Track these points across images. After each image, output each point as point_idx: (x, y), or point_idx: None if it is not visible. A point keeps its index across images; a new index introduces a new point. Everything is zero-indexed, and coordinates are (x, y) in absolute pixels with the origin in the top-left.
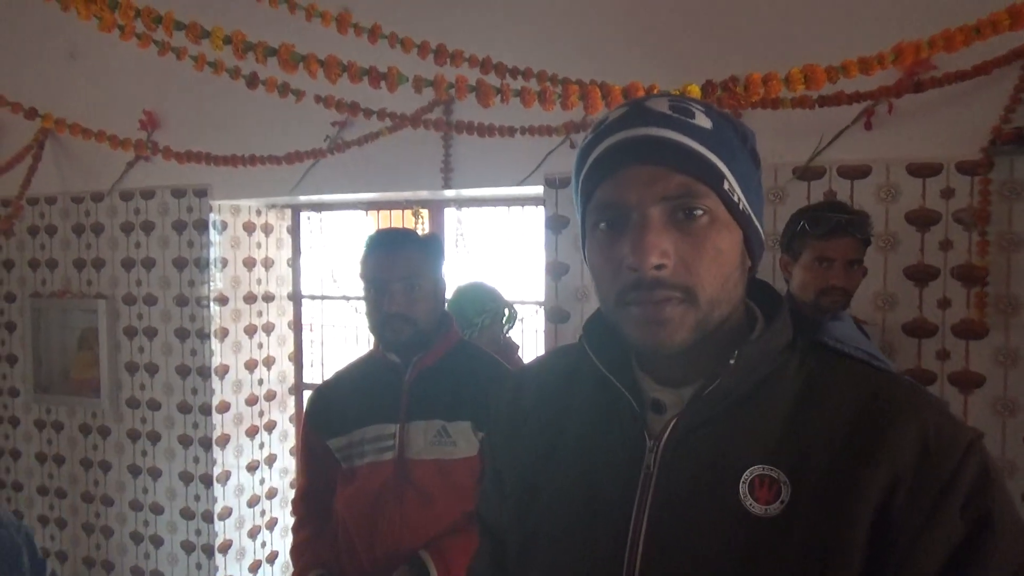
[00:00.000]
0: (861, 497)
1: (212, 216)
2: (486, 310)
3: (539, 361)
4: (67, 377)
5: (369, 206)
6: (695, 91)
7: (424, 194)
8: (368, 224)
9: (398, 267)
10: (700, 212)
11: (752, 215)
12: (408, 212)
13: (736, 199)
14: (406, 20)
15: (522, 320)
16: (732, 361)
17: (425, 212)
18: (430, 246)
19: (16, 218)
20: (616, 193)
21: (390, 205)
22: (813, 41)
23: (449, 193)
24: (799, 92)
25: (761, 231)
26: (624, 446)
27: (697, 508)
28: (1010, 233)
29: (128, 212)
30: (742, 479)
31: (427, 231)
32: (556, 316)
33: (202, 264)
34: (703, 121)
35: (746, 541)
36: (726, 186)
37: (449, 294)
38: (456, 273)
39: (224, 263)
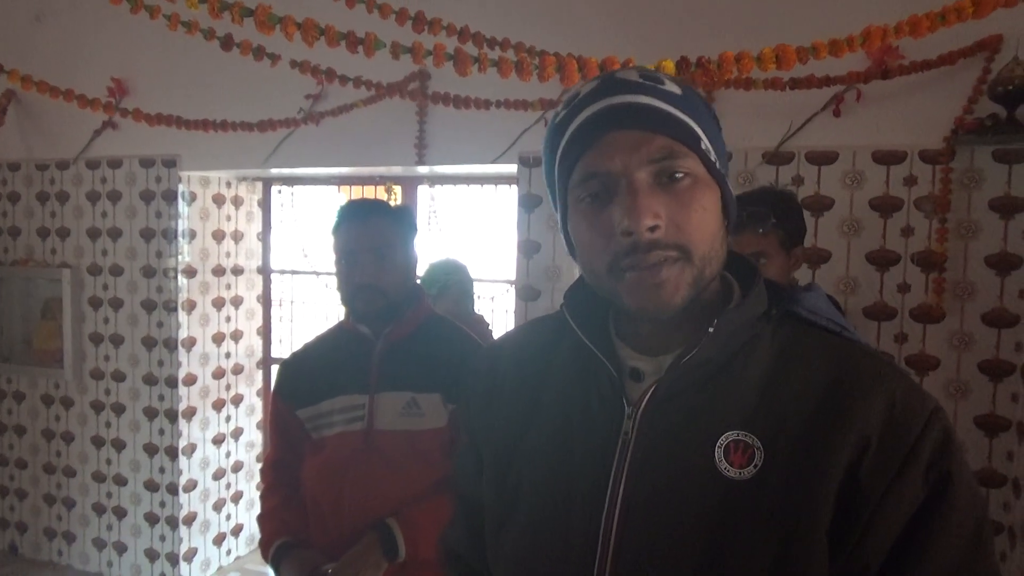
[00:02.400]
0: (831, 461)
1: (181, 187)
2: (437, 281)
3: (516, 333)
4: (29, 347)
5: (342, 181)
6: (669, 67)
7: (398, 170)
8: (340, 199)
9: (368, 238)
10: (683, 174)
11: (725, 175)
12: (381, 188)
13: (713, 159)
14: None
15: (492, 299)
16: (711, 329)
17: (398, 189)
18: (401, 217)
19: None
20: (600, 161)
21: (363, 181)
22: (786, 23)
23: (423, 170)
24: (771, 72)
25: (732, 193)
26: (602, 413)
27: (673, 472)
28: (969, 221)
29: (95, 181)
30: (717, 444)
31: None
32: (527, 294)
33: (170, 235)
34: (672, 87)
35: (720, 503)
36: (703, 146)
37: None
38: (428, 250)
39: (192, 235)
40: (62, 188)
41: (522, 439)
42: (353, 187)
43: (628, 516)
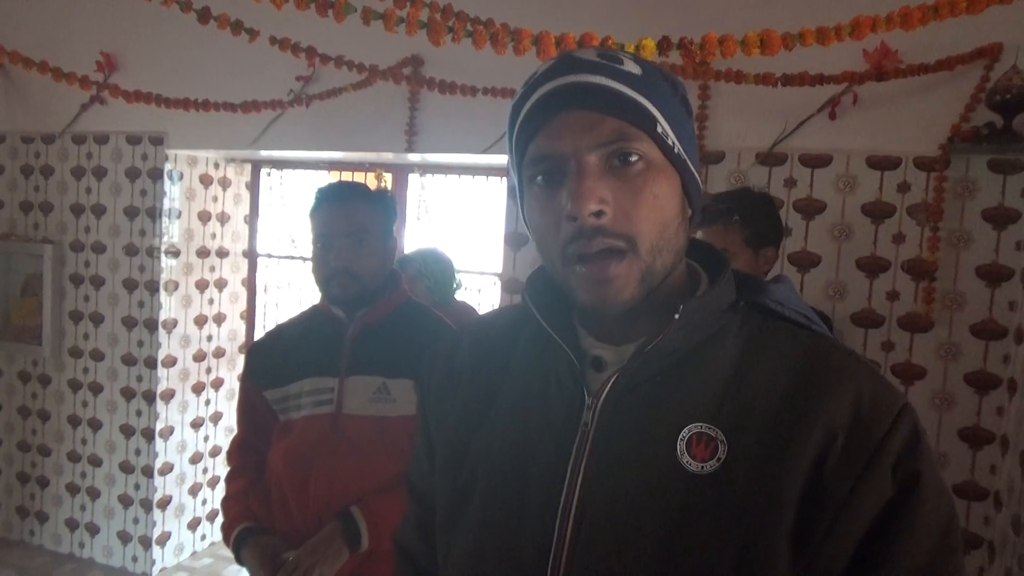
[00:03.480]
0: (796, 456)
1: (168, 166)
2: (411, 266)
3: (478, 320)
4: (7, 322)
5: (331, 166)
6: (650, 46)
7: (389, 157)
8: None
9: (346, 222)
10: (635, 158)
11: (688, 160)
12: (371, 175)
13: (671, 143)
14: None
15: (479, 291)
16: (676, 316)
17: (389, 176)
18: (380, 202)
19: None
20: (550, 143)
21: (354, 167)
22: (778, 13)
23: (413, 158)
24: (757, 57)
25: (698, 177)
26: (562, 403)
27: (634, 465)
28: (961, 230)
29: (80, 156)
30: (679, 436)
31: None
32: (513, 287)
33: (155, 214)
34: (632, 67)
35: (682, 497)
36: (659, 129)
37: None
38: (417, 239)
39: (178, 214)
40: (47, 162)
41: (478, 429)
42: (343, 172)
43: (586, 510)
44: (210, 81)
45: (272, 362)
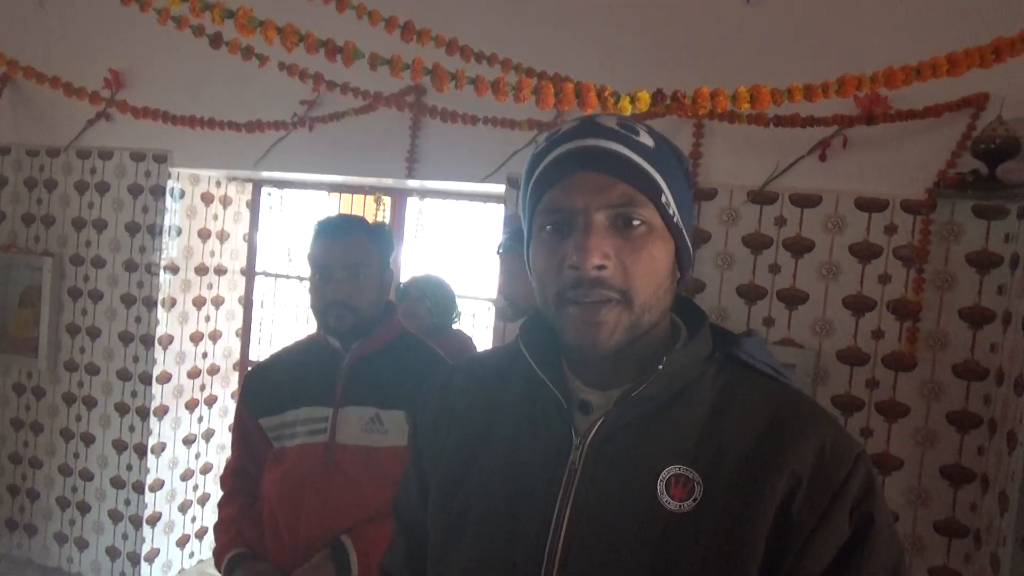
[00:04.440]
0: (765, 497)
1: (170, 183)
2: (409, 294)
3: (471, 358)
4: (4, 334)
5: (332, 188)
6: (645, 98)
7: (388, 181)
8: (330, 206)
9: (344, 254)
10: (639, 221)
11: (684, 230)
12: (371, 198)
13: (672, 212)
14: None
15: (474, 316)
16: (660, 367)
17: (388, 200)
18: (378, 235)
19: None
20: (564, 197)
21: (353, 189)
22: (769, 65)
23: (413, 183)
24: (746, 110)
25: (691, 247)
26: (551, 443)
27: (617, 503)
28: (945, 273)
29: (84, 171)
30: (660, 477)
31: (386, 219)
32: (506, 314)
33: (155, 231)
34: (647, 140)
35: (661, 534)
36: (663, 199)
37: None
38: (414, 263)
39: (178, 232)
40: (51, 175)
41: (471, 462)
42: (343, 195)
43: (572, 544)
44: (216, 100)
45: (268, 390)
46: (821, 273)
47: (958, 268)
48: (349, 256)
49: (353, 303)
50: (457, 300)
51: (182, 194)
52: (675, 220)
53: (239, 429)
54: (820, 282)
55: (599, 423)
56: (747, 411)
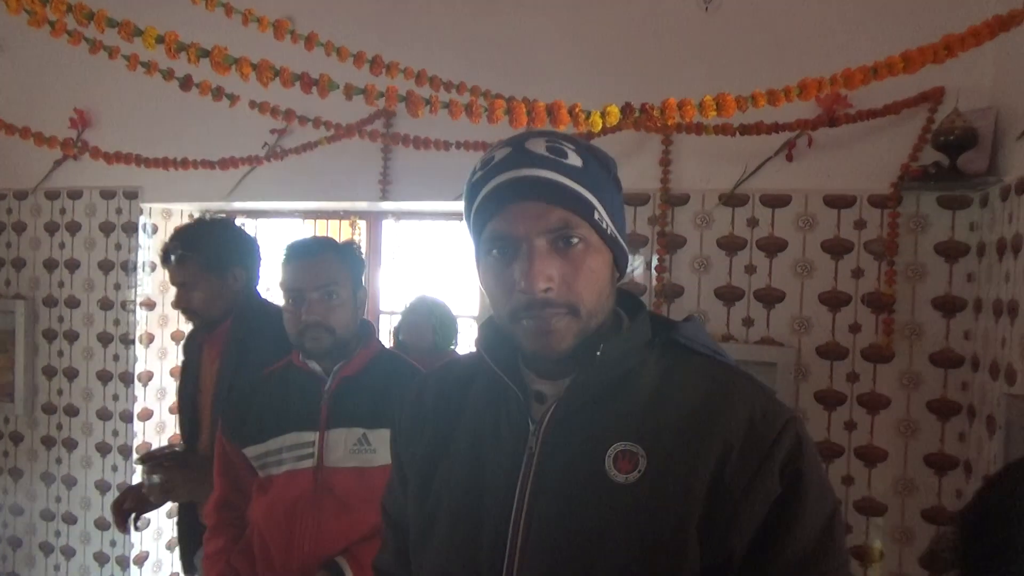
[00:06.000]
0: (700, 464)
1: (143, 219)
2: (418, 321)
3: (443, 365)
4: None
5: (306, 215)
6: (614, 111)
7: (363, 205)
8: (306, 232)
9: (314, 275)
10: (576, 240)
11: (618, 236)
12: (347, 223)
13: (605, 226)
14: (346, 31)
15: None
16: (598, 353)
17: (363, 223)
18: (347, 254)
19: None
20: (506, 226)
21: (328, 215)
22: (731, 74)
23: (387, 205)
24: (712, 118)
25: (626, 249)
26: (510, 432)
27: (571, 479)
28: (916, 264)
29: (53, 212)
30: (608, 454)
31: (362, 242)
32: None
33: (130, 268)
34: (575, 160)
35: (609, 503)
36: (596, 216)
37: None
38: (393, 285)
39: (153, 267)
40: (19, 218)
41: (441, 460)
42: (318, 221)
43: (531, 522)
44: (185, 134)
45: (250, 419)
46: (796, 271)
47: (927, 259)
48: (320, 277)
49: (329, 323)
50: (458, 325)
51: (155, 229)
52: (609, 232)
53: (222, 461)
54: (795, 280)
55: (551, 410)
56: (685, 388)
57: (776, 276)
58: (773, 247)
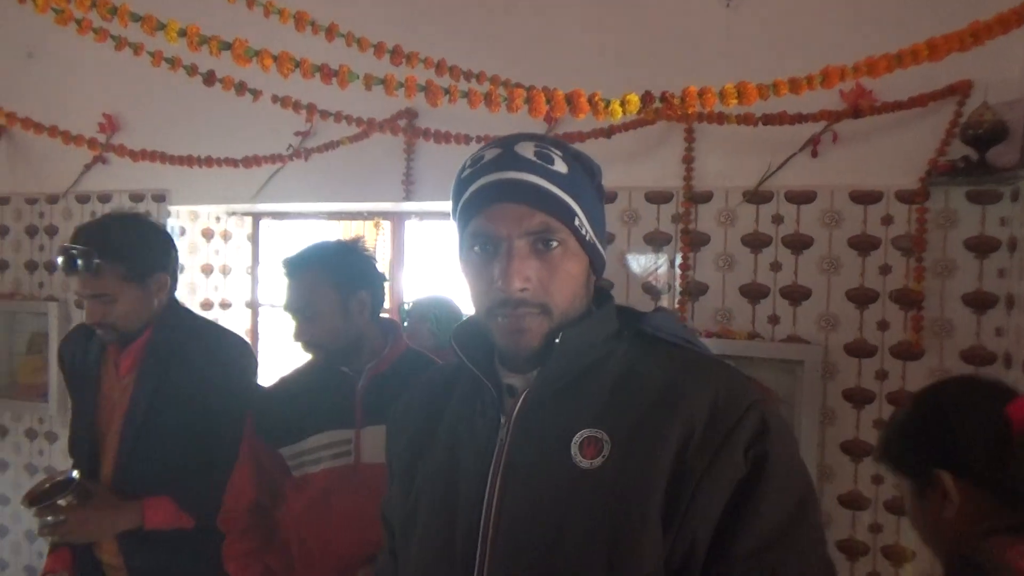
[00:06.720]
0: (663, 446)
1: (170, 221)
2: (413, 314)
3: (432, 369)
4: (14, 381)
5: (330, 216)
6: (634, 100)
7: (386, 205)
8: (331, 232)
9: (295, 298)
10: (555, 244)
11: (596, 242)
12: (370, 223)
13: (584, 232)
14: (365, 24)
15: None
16: (556, 341)
17: (387, 224)
18: (329, 266)
19: None
20: (488, 225)
21: (351, 216)
22: (754, 64)
23: (410, 205)
24: (733, 107)
25: (604, 253)
26: (483, 425)
27: (538, 467)
28: (944, 260)
29: (84, 215)
30: (573, 440)
31: (385, 242)
32: None
33: None
34: (560, 167)
35: (575, 488)
36: (576, 222)
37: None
38: (417, 284)
39: (181, 269)
40: (51, 222)
41: (421, 457)
42: (342, 222)
43: (501, 511)
44: (210, 137)
45: (283, 420)
46: (822, 268)
47: (957, 254)
48: (298, 298)
49: (316, 341)
50: (462, 318)
51: (183, 231)
52: (588, 238)
53: (252, 463)
54: (822, 277)
55: (520, 401)
56: (650, 375)
57: (802, 273)
58: (799, 244)
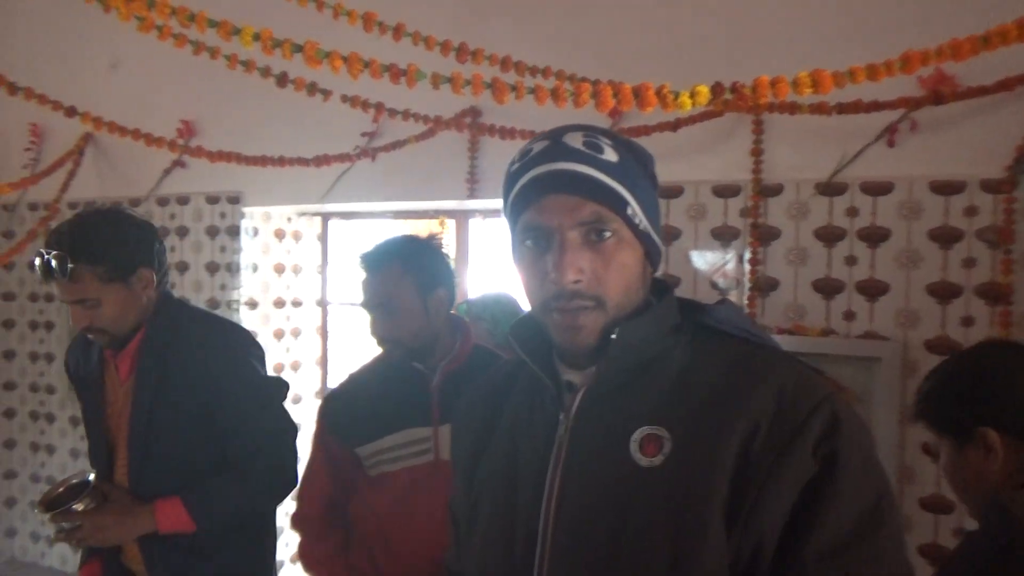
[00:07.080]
0: (725, 443)
1: (244, 222)
2: (471, 312)
3: (494, 367)
4: None
5: (396, 215)
6: (704, 92)
7: (451, 204)
8: (399, 230)
9: (374, 293)
10: (608, 234)
11: (651, 231)
12: (436, 222)
13: (638, 221)
14: (431, 23)
15: None
16: (613, 336)
17: (452, 222)
18: (408, 261)
19: (52, 220)
20: (540, 218)
21: (417, 215)
22: (827, 50)
23: (474, 204)
24: (807, 96)
25: (659, 243)
26: (543, 423)
27: (597, 464)
28: None
29: (164, 217)
30: (632, 438)
31: (451, 241)
32: None
33: (233, 269)
34: (611, 155)
35: (635, 486)
36: (629, 211)
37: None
38: (480, 283)
39: (255, 268)
40: None
41: (483, 454)
42: (408, 221)
43: (560, 510)
44: (281, 139)
45: (359, 418)
46: (900, 262)
47: None
48: (377, 294)
49: (394, 336)
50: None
51: (256, 232)
52: (642, 227)
53: (327, 462)
54: (900, 271)
55: (579, 398)
56: (713, 370)
57: (879, 267)
58: (875, 237)
